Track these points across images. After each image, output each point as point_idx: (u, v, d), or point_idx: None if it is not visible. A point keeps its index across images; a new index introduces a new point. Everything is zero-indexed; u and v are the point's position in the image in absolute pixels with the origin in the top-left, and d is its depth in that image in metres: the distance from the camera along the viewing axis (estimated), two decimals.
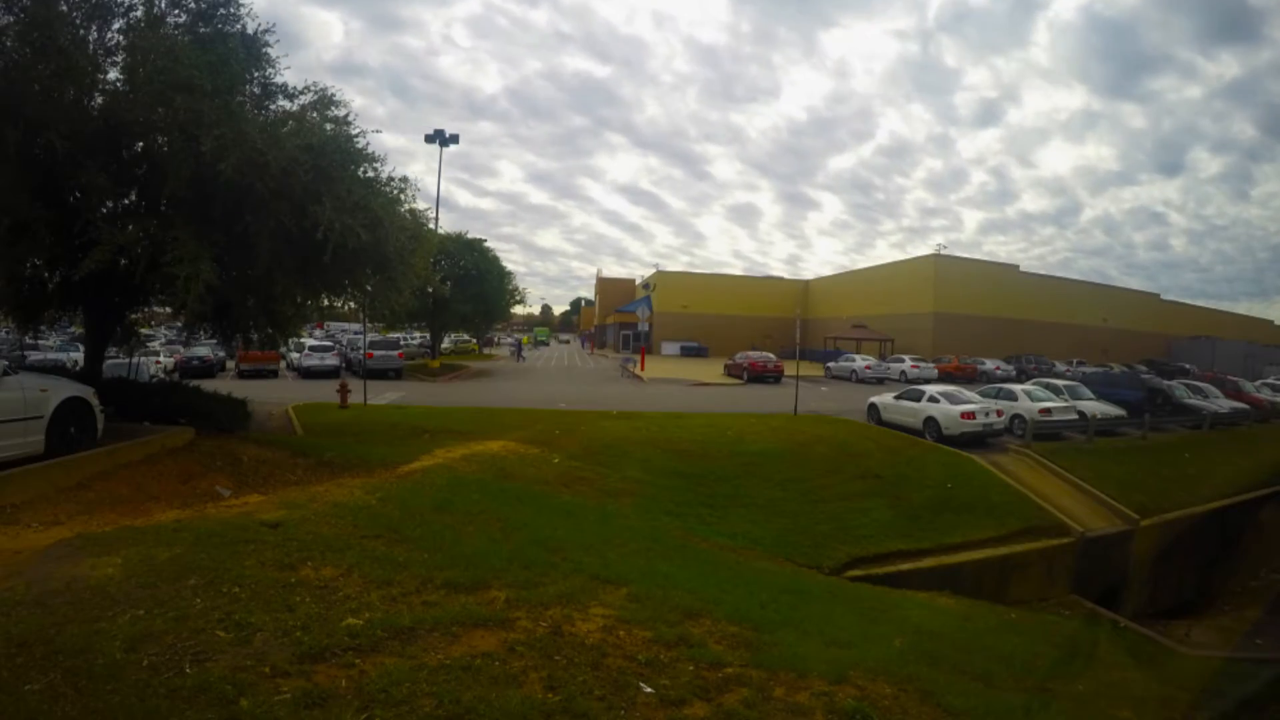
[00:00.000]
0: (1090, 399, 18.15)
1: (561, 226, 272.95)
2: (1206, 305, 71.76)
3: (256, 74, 9.72)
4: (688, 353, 50.89)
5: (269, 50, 9.79)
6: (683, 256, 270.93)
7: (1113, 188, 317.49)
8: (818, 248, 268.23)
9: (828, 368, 34.66)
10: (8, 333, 24.33)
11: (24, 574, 4.09)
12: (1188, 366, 37.50)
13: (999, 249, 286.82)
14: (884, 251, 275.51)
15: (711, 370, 34.34)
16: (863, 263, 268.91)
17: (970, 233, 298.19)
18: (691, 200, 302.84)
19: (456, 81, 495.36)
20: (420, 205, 11.81)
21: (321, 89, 9.91)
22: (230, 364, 26.72)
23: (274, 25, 9.85)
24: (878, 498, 11.91)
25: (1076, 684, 5.67)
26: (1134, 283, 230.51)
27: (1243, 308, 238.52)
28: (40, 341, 20.12)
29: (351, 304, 13.60)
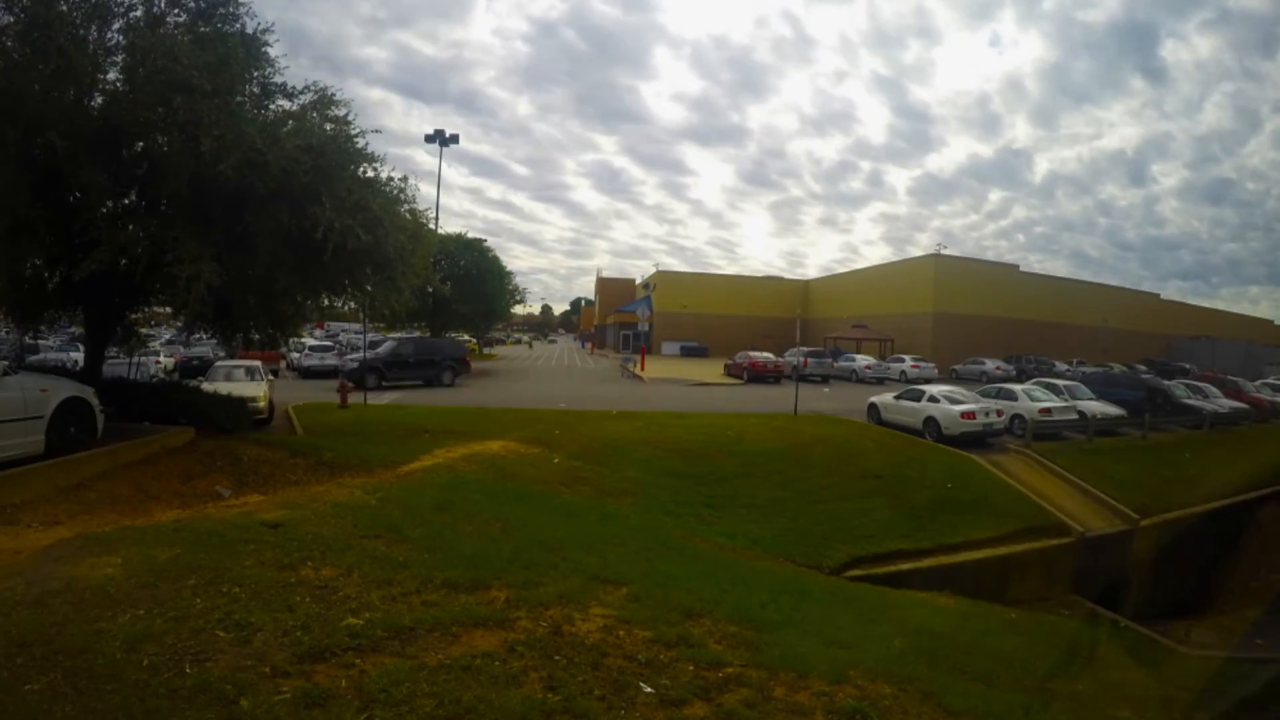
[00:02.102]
0: (1090, 399, 18.16)
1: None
2: (1209, 305, 71.63)
3: (256, 74, 9.71)
4: (688, 353, 50.86)
5: (268, 50, 9.79)
6: (599, 243, 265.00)
7: (1065, 113, 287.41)
8: (744, 229, 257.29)
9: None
10: (8, 333, 24.32)
11: (24, 574, 4.09)
12: (1188, 366, 37.49)
13: (950, 224, 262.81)
14: (814, 230, 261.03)
15: (711, 370, 34.34)
16: (799, 244, 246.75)
17: (905, 200, 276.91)
18: (532, 164, 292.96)
19: None
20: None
21: (321, 89, 9.93)
22: None
23: (274, 25, 9.87)
24: (878, 498, 11.91)
25: (1076, 684, 5.66)
26: (1127, 263, 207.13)
27: (1251, 295, 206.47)
28: (40, 341, 20.11)
29: (351, 304, 13.60)
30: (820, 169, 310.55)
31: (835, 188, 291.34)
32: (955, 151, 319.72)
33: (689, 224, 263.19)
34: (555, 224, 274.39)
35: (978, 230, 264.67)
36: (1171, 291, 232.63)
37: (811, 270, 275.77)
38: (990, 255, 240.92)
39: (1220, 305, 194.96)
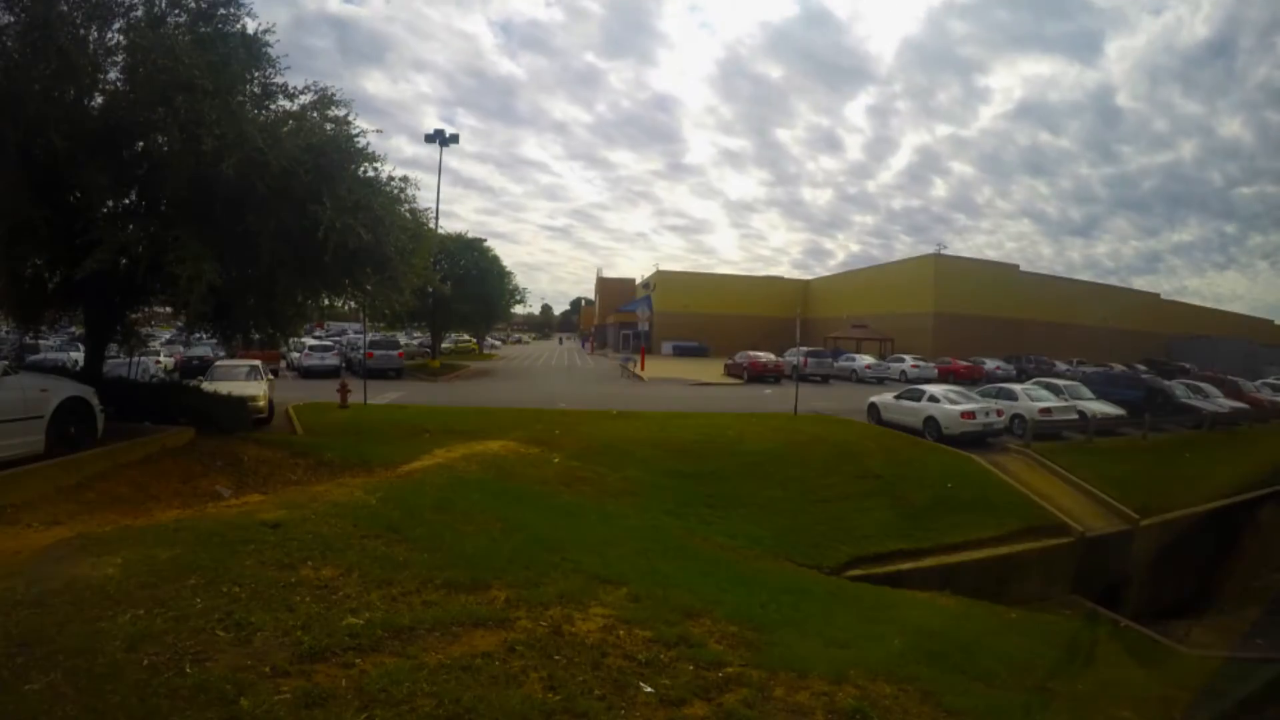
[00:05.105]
0: (1090, 399, 18.14)
1: None
2: (1211, 303, 70.23)
3: (257, 74, 9.71)
4: (687, 352, 50.81)
5: (269, 50, 9.79)
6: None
7: None
8: (579, 197, 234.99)
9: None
10: (8, 333, 24.31)
11: (24, 574, 4.10)
12: (1188, 366, 37.47)
13: (829, 169, 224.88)
14: (666, 191, 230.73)
15: (711, 370, 34.33)
16: (670, 219, 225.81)
17: (737, 130, 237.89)
18: None
19: None
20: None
21: (322, 89, 9.93)
22: None
23: (274, 25, 9.87)
24: (878, 498, 11.90)
25: (1076, 684, 5.66)
26: (1112, 223, 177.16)
27: (1261, 275, 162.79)
28: (40, 341, 20.11)
29: (351, 304, 13.61)
30: (541, 80, 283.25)
31: (603, 112, 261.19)
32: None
33: (512, 190, 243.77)
34: None
35: (874, 178, 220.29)
36: (1163, 272, 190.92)
37: (718, 258, 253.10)
38: (924, 220, 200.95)
39: (1223, 290, 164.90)
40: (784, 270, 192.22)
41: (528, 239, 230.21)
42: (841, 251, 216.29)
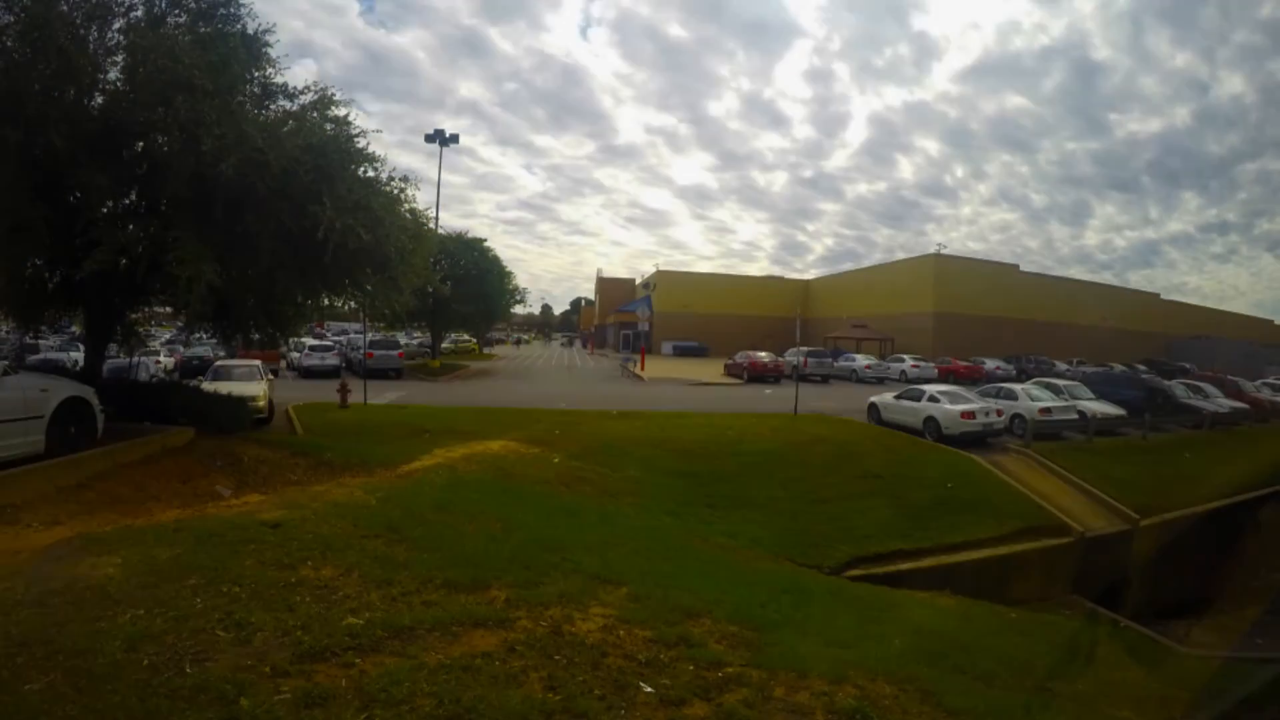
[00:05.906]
0: (1090, 399, 18.14)
1: None
2: (1212, 303, 69.42)
3: (257, 74, 9.72)
4: (687, 352, 50.79)
5: (269, 50, 9.80)
6: None
7: None
8: (516, 180, 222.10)
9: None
10: (8, 332, 24.33)
11: (24, 574, 4.10)
12: (1188, 366, 37.46)
13: (775, 146, 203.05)
14: (601, 169, 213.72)
15: (711, 370, 34.33)
16: (622, 191, 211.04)
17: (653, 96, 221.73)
18: None
19: None
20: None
21: (322, 89, 9.94)
22: None
23: (274, 25, 9.87)
24: (878, 497, 11.90)
25: (1076, 684, 5.66)
26: (1103, 210, 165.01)
27: (1264, 269, 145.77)
28: (40, 341, 20.12)
29: (351, 304, 13.61)
30: (435, 57, 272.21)
31: (514, 90, 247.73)
32: None
33: (451, 181, 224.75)
34: None
35: (829, 158, 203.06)
36: (1161, 267, 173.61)
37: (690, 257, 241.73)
38: (897, 208, 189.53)
39: (1225, 287, 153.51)
40: (763, 266, 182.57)
41: (483, 233, 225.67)
42: (818, 245, 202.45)
